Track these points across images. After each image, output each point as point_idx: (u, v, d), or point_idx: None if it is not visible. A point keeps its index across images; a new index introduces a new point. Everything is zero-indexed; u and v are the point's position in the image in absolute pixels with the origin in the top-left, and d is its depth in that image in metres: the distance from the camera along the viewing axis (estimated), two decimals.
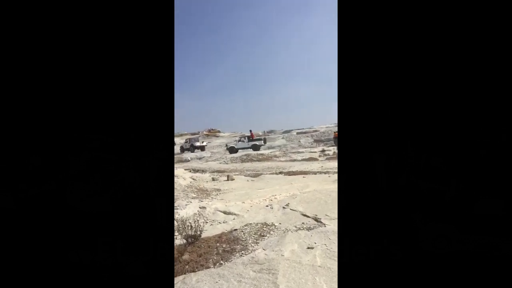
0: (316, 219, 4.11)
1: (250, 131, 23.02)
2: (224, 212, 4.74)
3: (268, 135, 31.62)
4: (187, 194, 6.45)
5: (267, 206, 5.13)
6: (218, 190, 7.13)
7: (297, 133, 30.51)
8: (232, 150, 20.69)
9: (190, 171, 12.05)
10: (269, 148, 22.64)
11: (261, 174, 10.10)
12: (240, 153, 19.03)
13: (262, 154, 17.30)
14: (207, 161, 18.13)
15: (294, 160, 14.97)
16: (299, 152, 18.13)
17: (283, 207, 4.89)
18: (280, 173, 10.03)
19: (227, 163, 15.72)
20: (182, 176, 9.18)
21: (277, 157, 16.59)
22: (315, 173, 9.36)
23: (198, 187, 7.52)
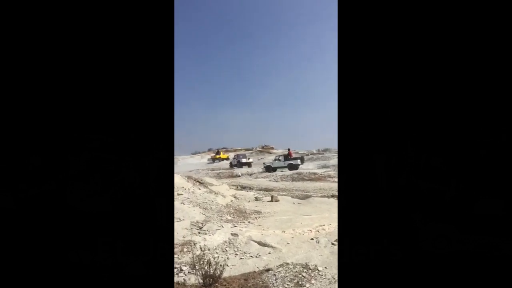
0: None
1: (288, 149, 22.46)
2: (259, 243, 3.89)
3: (323, 154, 29.92)
4: (221, 216, 5.59)
5: (312, 239, 4.10)
6: (258, 212, 6.28)
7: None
8: (269, 169, 19.83)
9: (237, 188, 11.42)
10: (323, 167, 21.16)
11: (310, 196, 8.78)
12: (292, 171, 17.98)
13: (315, 174, 16.10)
14: (257, 177, 17.28)
15: None
16: None
17: (332, 243, 3.77)
18: (333, 196, 8.43)
19: (277, 181, 14.73)
20: (223, 193, 8.31)
21: (331, 177, 15.13)
22: None
23: (236, 208, 6.73)
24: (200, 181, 9.44)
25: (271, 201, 7.56)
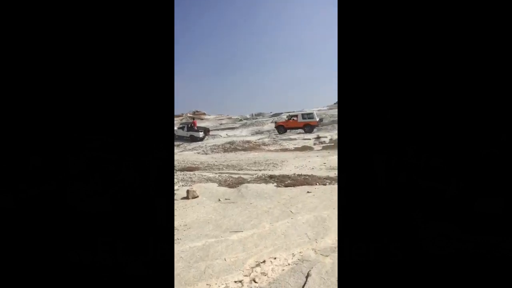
0: None
1: (193, 119, 21.18)
2: None
3: (256, 118, 29.53)
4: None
5: None
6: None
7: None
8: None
9: None
10: (257, 133, 20.21)
11: (243, 180, 6.52)
12: (224, 139, 16.76)
13: (248, 142, 14.73)
14: (185, 149, 14.97)
15: (286, 150, 12.59)
16: (290, 139, 15.47)
17: None
18: (271, 178, 6.46)
19: (206, 153, 12.78)
20: None
21: (266, 145, 14.15)
22: (322, 181, 6.00)
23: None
24: None
25: (188, 198, 5.14)
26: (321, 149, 11.96)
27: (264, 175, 7.04)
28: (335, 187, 5.35)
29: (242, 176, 7.19)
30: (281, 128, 18.84)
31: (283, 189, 5.55)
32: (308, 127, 18.31)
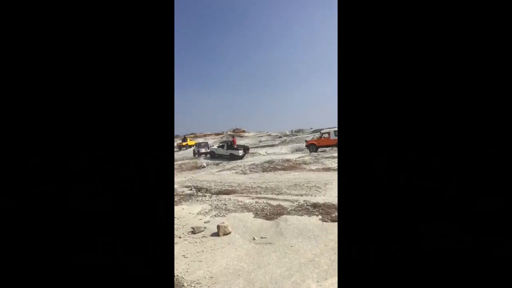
0: None
1: (233, 137, 20.67)
2: None
3: (296, 135, 28.34)
4: None
5: None
6: None
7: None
8: (213, 155, 18.15)
9: (185, 192, 8.58)
10: (297, 150, 18.83)
11: (281, 211, 5.59)
12: (263, 157, 15.94)
13: (288, 161, 13.73)
14: (223, 167, 14.48)
15: (329, 169, 11.27)
16: (334, 157, 13.95)
17: None
18: (314, 208, 5.55)
19: (245, 173, 12.21)
20: None
21: (307, 164, 12.98)
22: None
23: None
24: None
25: (218, 235, 4.45)
26: None
27: (307, 202, 6.03)
28: None
29: (281, 203, 6.24)
30: (313, 147, 17.43)
31: (330, 225, 4.48)
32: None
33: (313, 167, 12.29)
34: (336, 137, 17.21)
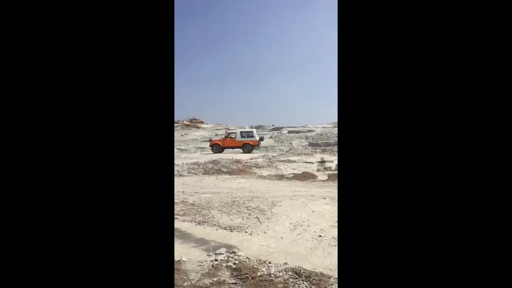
0: None
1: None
2: None
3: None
4: None
5: None
6: None
7: (289, 132, 25.10)
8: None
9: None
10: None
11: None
12: (211, 156, 14.64)
13: (238, 162, 11.67)
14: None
15: (282, 177, 9.71)
16: (290, 161, 12.77)
17: None
18: (241, 279, 2.61)
19: (181, 175, 10.21)
20: None
21: (259, 167, 11.34)
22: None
23: None
24: None
25: None
26: (326, 179, 9.42)
27: (232, 256, 3.19)
28: None
29: (184, 257, 3.17)
30: (217, 147, 16.59)
31: None
32: (247, 147, 16.42)
33: (265, 172, 10.79)
34: (242, 139, 16.78)
